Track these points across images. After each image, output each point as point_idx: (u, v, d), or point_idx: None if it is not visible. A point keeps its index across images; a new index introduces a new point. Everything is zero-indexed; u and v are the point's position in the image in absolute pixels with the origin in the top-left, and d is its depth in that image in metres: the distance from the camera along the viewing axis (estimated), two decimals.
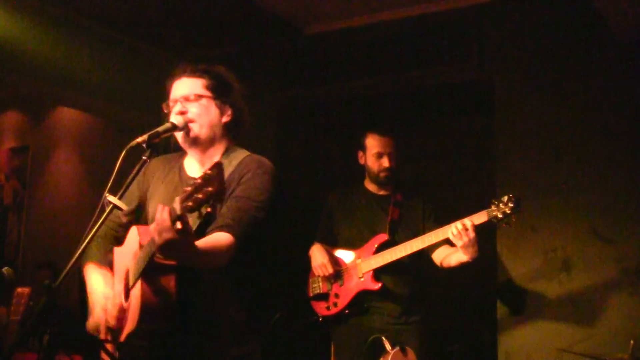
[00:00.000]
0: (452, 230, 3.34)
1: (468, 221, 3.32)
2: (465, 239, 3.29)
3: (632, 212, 3.98)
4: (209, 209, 1.95)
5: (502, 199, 3.33)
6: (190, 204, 1.91)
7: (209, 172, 1.91)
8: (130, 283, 2.30)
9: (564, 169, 4.19)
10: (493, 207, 3.34)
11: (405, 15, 4.79)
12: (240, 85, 2.54)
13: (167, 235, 1.98)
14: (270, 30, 5.13)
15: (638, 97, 4.06)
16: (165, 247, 2.02)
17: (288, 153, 5.33)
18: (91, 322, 2.45)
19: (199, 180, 1.91)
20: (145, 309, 2.19)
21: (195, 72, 2.47)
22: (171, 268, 2.24)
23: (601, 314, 3.96)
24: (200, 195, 1.90)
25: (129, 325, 2.27)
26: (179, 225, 1.98)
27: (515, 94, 4.43)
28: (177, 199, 1.95)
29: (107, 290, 2.44)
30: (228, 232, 2.23)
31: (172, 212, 1.98)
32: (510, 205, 3.29)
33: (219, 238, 2.22)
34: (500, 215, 3.31)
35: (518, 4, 4.45)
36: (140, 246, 2.26)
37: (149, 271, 2.20)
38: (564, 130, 4.23)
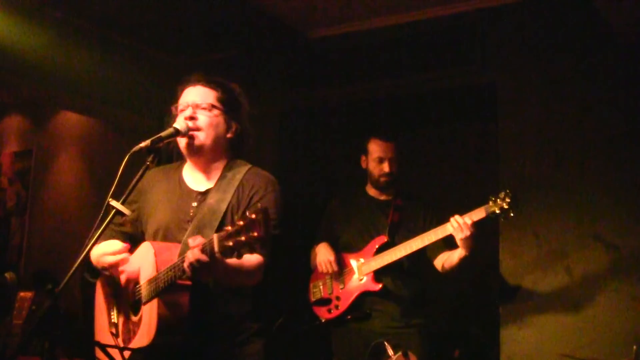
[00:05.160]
0: (452, 223, 3.39)
1: (468, 219, 3.38)
2: (467, 232, 3.35)
3: (635, 215, 3.98)
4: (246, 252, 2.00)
5: (499, 194, 3.39)
6: (230, 244, 1.95)
7: (253, 217, 1.93)
8: (144, 299, 2.32)
9: (566, 172, 4.19)
10: (490, 203, 3.40)
11: (408, 19, 4.80)
12: (248, 105, 2.58)
13: (202, 269, 2.07)
14: (273, 33, 5.14)
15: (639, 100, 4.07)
16: (197, 278, 2.14)
17: (290, 156, 5.33)
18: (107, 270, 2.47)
19: (241, 223, 1.94)
20: (162, 325, 2.22)
21: (210, 83, 2.51)
22: (188, 287, 2.28)
23: (604, 318, 3.95)
24: (242, 238, 1.93)
25: (142, 340, 2.29)
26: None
27: (517, 97, 4.44)
28: (216, 237, 2.00)
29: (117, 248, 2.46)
30: (257, 253, 2.30)
31: (207, 247, 2.03)
32: (507, 200, 3.35)
33: (250, 259, 2.28)
34: (497, 211, 3.37)
35: (519, 7, 4.45)
36: (157, 268, 2.28)
37: (166, 289, 2.24)
38: (566, 133, 4.23)
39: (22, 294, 4.99)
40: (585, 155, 4.16)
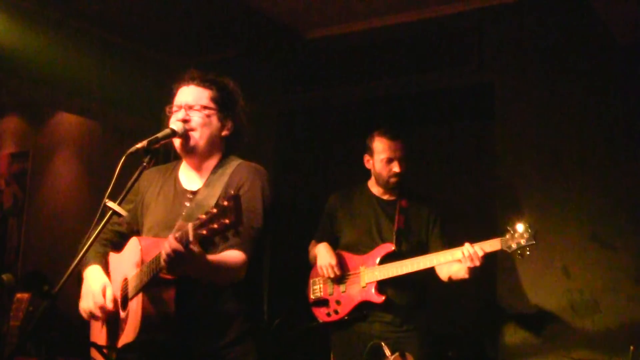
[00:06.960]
0: (463, 251, 3.27)
1: (480, 250, 3.25)
2: (477, 263, 3.24)
3: (633, 217, 3.97)
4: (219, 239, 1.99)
5: (518, 228, 3.22)
6: (204, 232, 1.95)
7: (225, 203, 1.92)
8: (130, 294, 2.31)
9: (564, 172, 4.18)
10: (508, 236, 3.24)
11: (406, 19, 4.80)
12: (244, 100, 2.56)
13: (178, 260, 2.04)
14: (271, 34, 5.14)
15: (638, 100, 4.06)
16: (175, 270, 2.11)
17: (288, 156, 5.33)
18: (81, 307, 2.47)
19: (214, 210, 1.93)
20: (146, 320, 2.20)
21: (204, 82, 2.49)
22: (172, 282, 2.26)
23: (602, 319, 3.94)
24: (215, 226, 1.92)
25: (127, 336, 2.27)
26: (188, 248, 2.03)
27: (515, 97, 4.43)
28: (190, 225, 1.99)
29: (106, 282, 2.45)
30: (239, 249, 2.28)
31: (184, 237, 2.01)
32: (526, 236, 3.19)
33: (231, 255, 2.27)
34: (514, 246, 3.22)
35: (518, 7, 4.45)
36: (143, 261, 2.27)
37: (151, 284, 2.22)
38: (564, 133, 4.23)
39: (19, 295, 4.99)
40: (583, 156, 4.15)
